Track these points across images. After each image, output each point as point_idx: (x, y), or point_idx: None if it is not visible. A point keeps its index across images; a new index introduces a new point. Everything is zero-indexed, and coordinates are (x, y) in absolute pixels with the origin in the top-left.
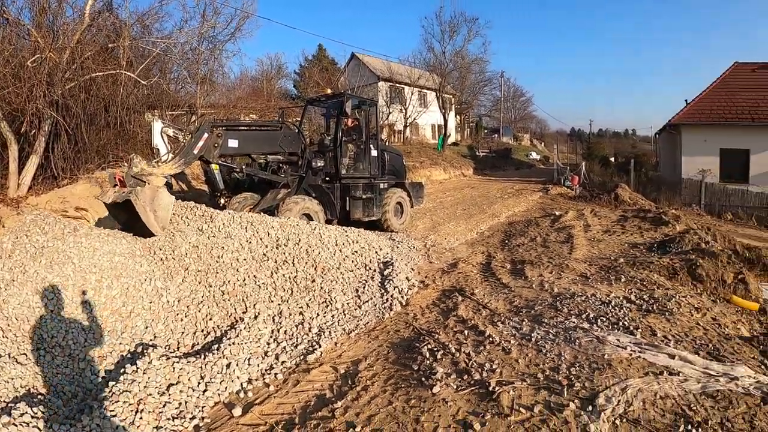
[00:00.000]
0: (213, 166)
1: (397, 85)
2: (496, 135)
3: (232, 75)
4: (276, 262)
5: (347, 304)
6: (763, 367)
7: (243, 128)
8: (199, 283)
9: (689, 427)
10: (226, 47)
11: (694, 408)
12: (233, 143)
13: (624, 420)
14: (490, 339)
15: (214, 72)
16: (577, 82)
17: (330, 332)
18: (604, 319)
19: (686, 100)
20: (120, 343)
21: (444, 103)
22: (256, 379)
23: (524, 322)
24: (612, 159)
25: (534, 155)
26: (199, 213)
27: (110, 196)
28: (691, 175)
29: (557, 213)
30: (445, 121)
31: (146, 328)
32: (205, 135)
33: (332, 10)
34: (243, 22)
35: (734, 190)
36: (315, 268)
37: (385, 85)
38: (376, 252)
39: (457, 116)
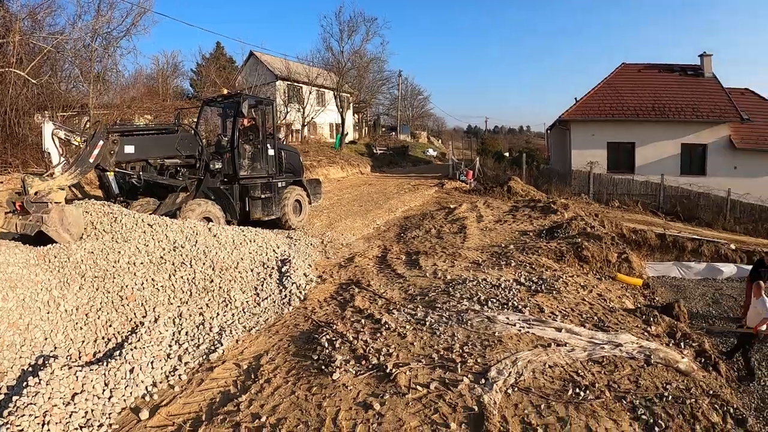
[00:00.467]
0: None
1: (296, 84)
2: (394, 133)
3: (127, 73)
4: (174, 264)
5: (247, 302)
6: (646, 333)
7: (139, 133)
8: (97, 289)
9: (577, 390)
10: (121, 44)
11: (582, 373)
12: (129, 149)
13: (516, 389)
14: (386, 326)
15: (107, 70)
16: (475, 82)
17: (231, 330)
18: (495, 300)
19: (576, 98)
20: (20, 357)
21: (342, 102)
22: (161, 382)
23: (418, 308)
24: (507, 154)
25: (431, 152)
26: (107, 211)
27: (14, 225)
28: (580, 167)
29: (452, 206)
30: (343, 119)
31: (46, 339)
32: (101, 142)
33: (231, 7)
34: (139, 18)
35: (621, 179)
36: (213, 269)
37: (283, 84)
38: (274, 250)
39: (355, 115)
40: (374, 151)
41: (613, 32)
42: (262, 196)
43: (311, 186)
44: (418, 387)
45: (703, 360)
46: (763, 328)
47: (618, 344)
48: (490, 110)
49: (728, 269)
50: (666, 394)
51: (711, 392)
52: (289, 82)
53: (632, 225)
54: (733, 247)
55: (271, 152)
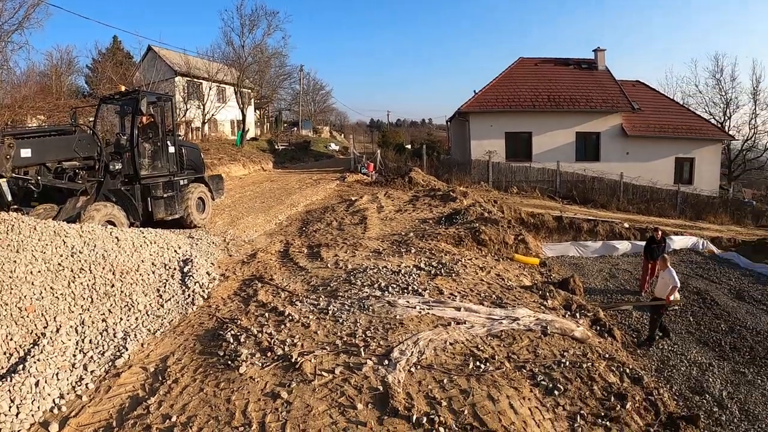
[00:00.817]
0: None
1: (195, 80)
2: (296, 128)
3: (18, 70)
4: (72, 270)
5: (150, 304)
6: (542, 307)
7: (35, 135)
8: None
9: (478, 363)
10: (12, 38)
11: (482, 348)
12: (26, 153)
13: (418, 367)
14: (290, 317)
15: None
16: (378, 76)
17: (135, 334)
18: (395, 285)
19: (475, 90)
20: None
21: (243, 98)
22: (68, 393)
23: (321, 298)
24: (408, 146)
25: (333, 146)
26: (1, 218)
27: None
28: (479, 156)
29: (353, 198)
30: (244, 116)
31: None
32: None
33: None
34: (32, 10)
35: (519, 167)
36: (113, 273)
37: (182, 80)
38: (176, 251)
39: (257, 111)
40: (276, 147)
41: (513, 28)
42: (165, 195)
43: (213, 182)
44: (323, 373)
45: (598, 328)
46: (672, 297)
47: (515, 318)
48: (392, 104)
49: (623, 246)
50: (563, 360)
51: (607, 356)
52: (188, 78)
53: (530, 209)
54: (626, 225)
55: (171, 150)
